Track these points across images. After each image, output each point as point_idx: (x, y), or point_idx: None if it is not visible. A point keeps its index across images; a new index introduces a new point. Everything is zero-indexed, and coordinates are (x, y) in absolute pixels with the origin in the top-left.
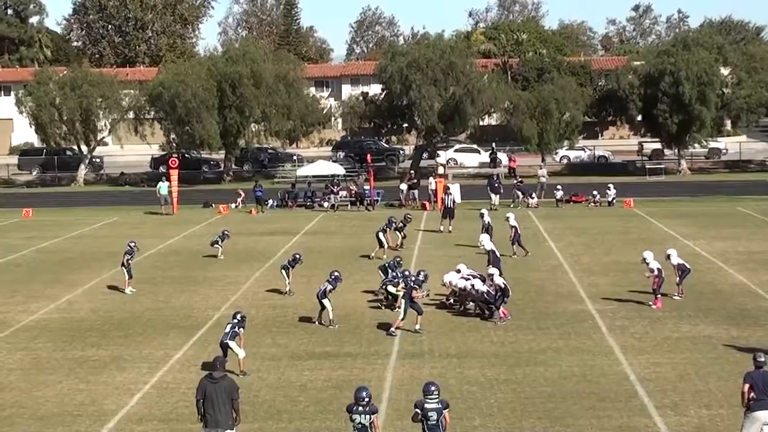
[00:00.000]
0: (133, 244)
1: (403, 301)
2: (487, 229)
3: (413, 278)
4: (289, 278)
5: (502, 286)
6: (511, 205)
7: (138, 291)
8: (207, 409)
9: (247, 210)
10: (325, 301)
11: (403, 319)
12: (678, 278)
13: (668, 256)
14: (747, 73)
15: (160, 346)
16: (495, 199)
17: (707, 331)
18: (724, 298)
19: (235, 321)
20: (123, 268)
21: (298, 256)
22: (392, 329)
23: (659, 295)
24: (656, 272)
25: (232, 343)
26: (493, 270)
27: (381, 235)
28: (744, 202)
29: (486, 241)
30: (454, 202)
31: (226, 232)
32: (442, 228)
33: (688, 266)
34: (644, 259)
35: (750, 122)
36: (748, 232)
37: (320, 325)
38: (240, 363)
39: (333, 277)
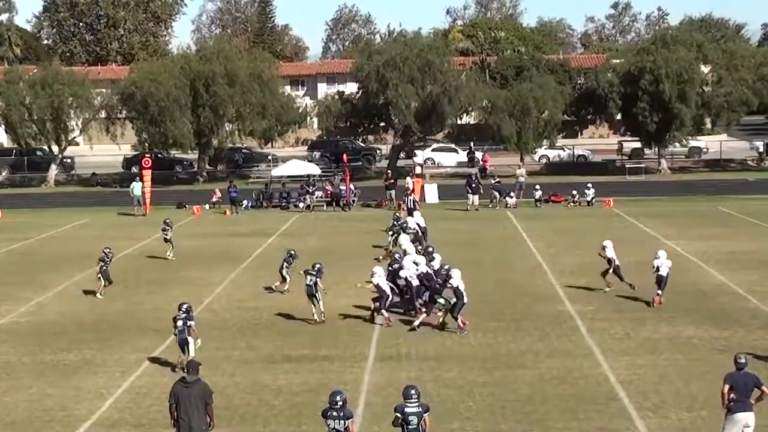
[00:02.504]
0: (108, 250)
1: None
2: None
3: (444, 272)
4: (288, 277)
5: (455, 287)
6: (489, 206)
7: (110, 293)
8: (180, 414)
9: (221, 211)
10: (318, 296)
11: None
12: (607, 270)
13: (603, 247)
14: (727, 71)
15: (132, 350)
16: (474, 199)
17: (688, 332)
18: (705, 299)
19: (184, 315)
20: (100, 275)
21: (293, 252)
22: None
23: (660, 293)
24: (609, 262)
25: (191, 339)
26: (455, 272)
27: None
28: (725, 202)
29: (405, 242)
30: (414, 201)
31: (167, 221)
32: None
33: (617, 262)
34: (604, 247)
35: (730, 121)
36: (729, 231)
37: (315, 324)
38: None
39: (316, 269)
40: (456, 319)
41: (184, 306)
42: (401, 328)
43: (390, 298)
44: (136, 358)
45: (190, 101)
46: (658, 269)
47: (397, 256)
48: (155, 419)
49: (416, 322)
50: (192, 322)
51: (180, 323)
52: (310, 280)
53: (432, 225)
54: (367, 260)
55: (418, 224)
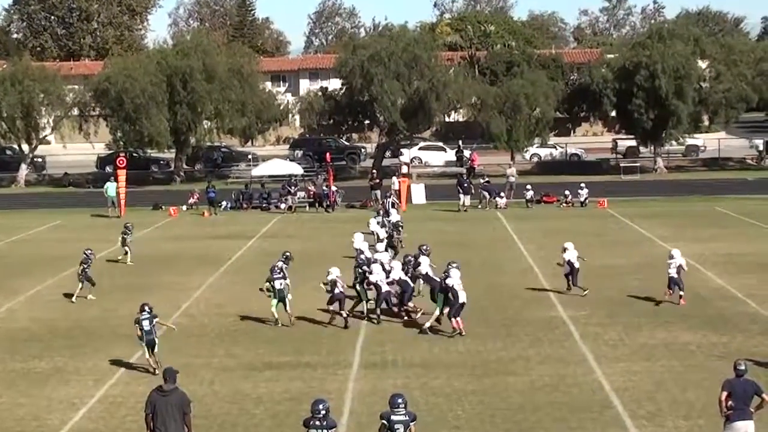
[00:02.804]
0: (89, 252)
1: (441, 296)
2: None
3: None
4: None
5: (450, 287)
6: (479, 206)
7: (83, 299)
8: (157, 424)
9: (199, 212)
10: (288, 299)
11: (442, 315)
12: (568, 275)
13: (564, 249)
14: (725, 66)
15: (106, 357)
16: (465, 199)
17: (685, 337)
18: (702, 303)
19: (149, 315)
20: (79, 277)
21: (288, 253)
22: (426, 326)
23: (681, 294)
24: (567, 266)
25: (157, 340)
26: (454, 272)
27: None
28: (723, 202)
29: (358, 240)
30: (393, 204)
31: (128, 225)
32: None
33: (577, 266)
34: (565, 249)
35: (729, 118)
36: (727, 233)
37: (285, 327)
38: (156, 359)
39: (279, 270)
40: (450, 319)
41: (147, 307)
42: (386, 334)
43: (340, 298)
44: (110, 366)
45: (166, 98)
46: (667, 269)
47: (362, 257)
48: (130, 429)
49: (426, 324)
50: (157, 319)
51: (146, 323)
52: (281, 284)
53: (420, 226)
54: (351, 262)
55: (396, 223)
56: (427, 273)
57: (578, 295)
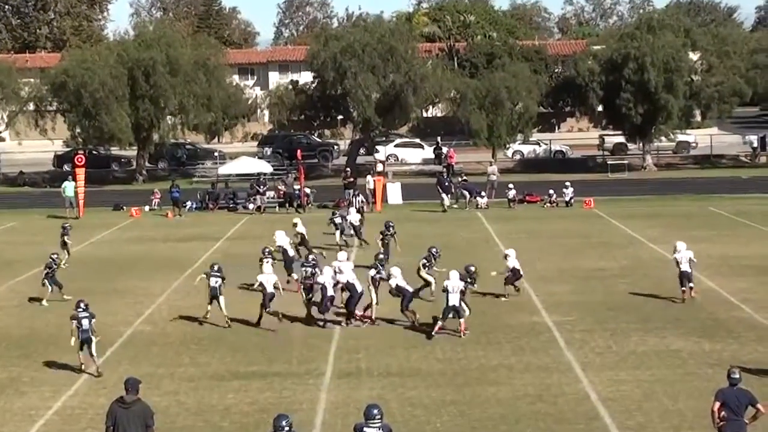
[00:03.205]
0: (55, 256)
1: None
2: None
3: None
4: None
5: (403, 286)
6: (456, 206)
7: (40, 303)
8: None
9: (162, 213)
10: (222, 299)
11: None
12: (507, 279)
13: (506, 256)
14: (718, 58)
15: (64, 367)
16: (446, 199)
17: (676, 344)
18: (694, 308)
19: (86, 313)
20: (46, 280)
21: (270, 249)
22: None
23: (687, 289)
24: (509, 272)
25: (94, 338)
26: (452, 273)
27: (379, 242)
28: (715, 201)
29: (280, 238)
30: (363, 202)
31: (65, 225)
32: None
33: (521, 273)
34: (506, 256)
35: (722, 113)
36: (720, 234)
37: (212, 325)
38: (95, 359)
39: (216, 269)
40: (403, 312)
41: (83, 304)
42: (361, 341)
43: (272, 298)
44: (68, 376)
45: (128, 92)
46: (678, 264)
47: (311, 257)
48: None
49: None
50: (94, 320)
51: (85, 322)
52: (215, 281)
53: (396, 227)
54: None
55: (387, 223)
56: (398, 285)
57: (513, 294)
